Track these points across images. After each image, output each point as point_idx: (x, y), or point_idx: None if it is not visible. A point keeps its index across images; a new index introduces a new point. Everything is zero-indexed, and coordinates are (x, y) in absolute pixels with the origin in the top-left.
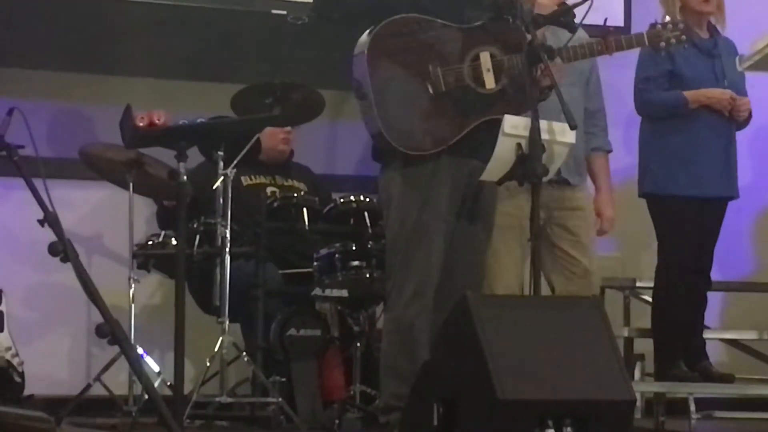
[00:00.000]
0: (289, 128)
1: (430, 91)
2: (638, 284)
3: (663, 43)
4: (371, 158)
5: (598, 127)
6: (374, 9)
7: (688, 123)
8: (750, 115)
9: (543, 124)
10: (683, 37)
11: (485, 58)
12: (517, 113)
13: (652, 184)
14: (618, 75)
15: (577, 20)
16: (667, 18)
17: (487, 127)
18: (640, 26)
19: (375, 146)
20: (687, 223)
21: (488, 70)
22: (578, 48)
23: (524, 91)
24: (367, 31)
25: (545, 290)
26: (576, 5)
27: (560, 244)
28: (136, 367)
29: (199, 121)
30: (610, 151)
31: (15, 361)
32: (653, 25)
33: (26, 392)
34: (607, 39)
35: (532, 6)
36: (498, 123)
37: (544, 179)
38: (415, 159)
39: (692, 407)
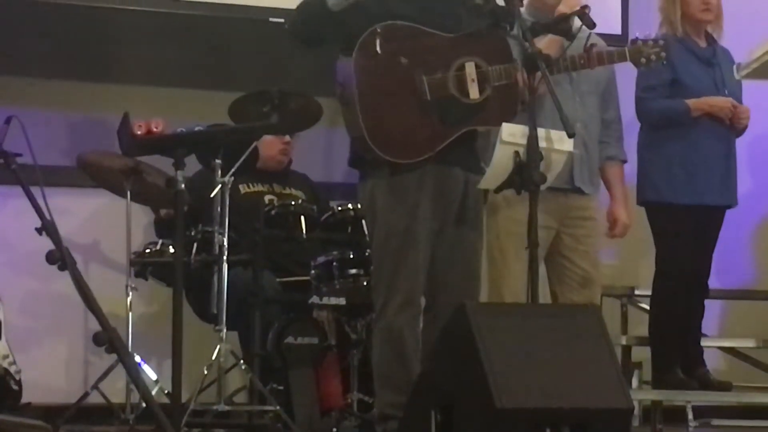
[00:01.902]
0: (288, 138)
1: (415, 99)
2: (636, 292)
3: (644, 59)
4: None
5: (613, 137)
6: (354, 25)
7: (688, 131)
8: (747, 124)
9: (540, 132)
10: (663, 53)
11: (470, 68)
12: (500, 124)
13: (653, 192)
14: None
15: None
16: (648, 33)
17: (469, 137)
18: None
19: (354, 153)
20: (686, 231)
21: (473, 80)
22: (561, 60)
23: (508, 102)
24: (345, 45)
25: (545, 298)
26: (574, 13)
27: (567, 253)
28: (134, 375)
29: (197, 129)
30: (625, 161)
31: (12, 369)
32: (634, 41)
33: (24, 400)
34: (590, 53)
35: (546, 9)
36: (479, 133)
37: (542, 187)
38: (400, 168)
39: (690, 415)
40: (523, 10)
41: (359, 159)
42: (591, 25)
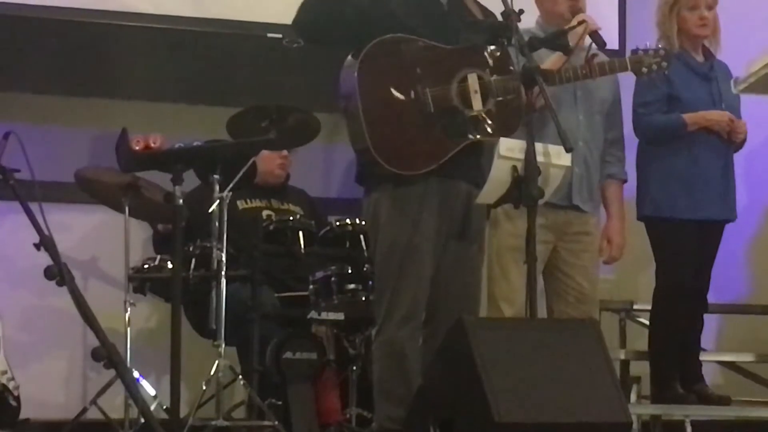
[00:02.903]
0: (285, 153)
1: (418, 111)
2: (634, 306)
3: (645, 69)
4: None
5: (616, 157)
6: (360, 32)
7: (687, 145)
8: (745, 138)
9: (538, 146)
10: (664, 63)
11: (473, 80)
12: (503, 136)
13: (652, 207)
14: None
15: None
16: (648, 44)
17: (473, 150)
18: None
19: (360, 168)
20: (686, 245)
21: (476, 92)
22: (563, 71)
23: (511, 114)
24: (351, 53)
25: (545, 312)
26: (572, 28)
27: (564, 268)
28: (132, 390)
29: (195, 144)
30: (625, 181)
31: (11, 385)
32: (635, 51)
33: (22, 416)
34: (591, 63)
35: (561, 23)
36: (484, 145)
37: (540, 201)
38: (403, 180)
39: (689, 429)
40: (533, 25)
41: (364, 173)
42: (602, 44)
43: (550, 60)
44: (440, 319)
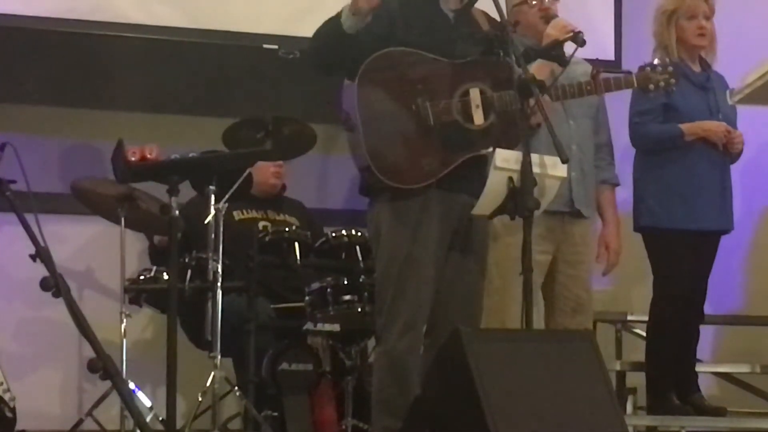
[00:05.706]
0: (280, 162)
1: (419, 125)
2: (630, 318)
3: (652, 86)
4: (359, 192)
5: (605, 161)
6: (362, 50)
7: (684, 156)
8: (741, 149)
9: (534, 157)
10: (672, 80)
11: (475, 94)
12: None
13: (649, 217)
14: (610, 108)
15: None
16: (656, 60)
17: (474, 163)
18: (630, 60)
19: (363, 180)
20: (684, 256)
21: (477, 107)
22: (567, 87)
23: (513, 129)
24: None
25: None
26: (567, 39)
27: (562, 279)
28: (128, 402)
29: (191, 155)
30: (617, 185)
31: (7, 397)
32: (642, 68)
33: (18, 428)
34: (597, 79)
35: (533, 34)
36: (485, 159)
37: (536, 213)
38: (403, 193)
39: None
40: None
41: (366, 186)
42: (582, 42)
43: (531, 68)
44: (441, 330)
